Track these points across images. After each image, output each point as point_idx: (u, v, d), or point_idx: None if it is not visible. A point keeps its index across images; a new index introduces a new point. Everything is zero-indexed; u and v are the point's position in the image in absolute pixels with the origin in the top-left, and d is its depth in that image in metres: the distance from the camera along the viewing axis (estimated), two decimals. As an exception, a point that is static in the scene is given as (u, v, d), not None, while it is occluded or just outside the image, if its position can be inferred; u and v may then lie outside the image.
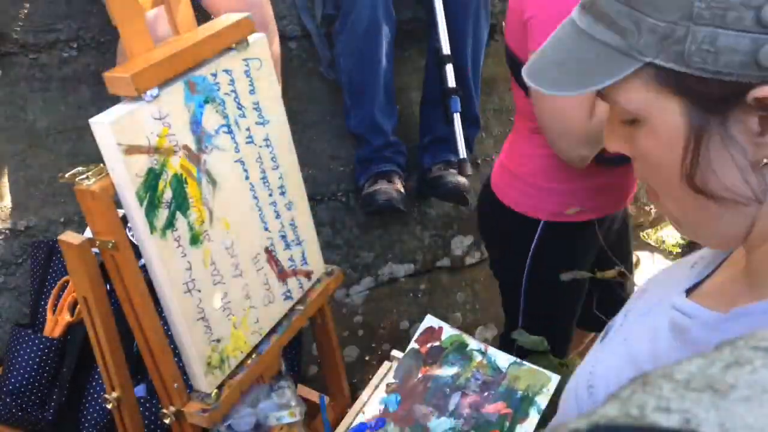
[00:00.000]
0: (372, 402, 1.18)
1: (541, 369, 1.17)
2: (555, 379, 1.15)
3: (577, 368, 0.78)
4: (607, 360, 0.72)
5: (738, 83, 0.50)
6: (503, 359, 1.20)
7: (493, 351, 1.21)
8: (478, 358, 1.20)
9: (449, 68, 1.89)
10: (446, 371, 1.19)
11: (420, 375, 1.19)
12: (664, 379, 0.27)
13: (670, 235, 3.93)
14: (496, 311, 2.33)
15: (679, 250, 3.40)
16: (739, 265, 0.64)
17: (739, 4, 0.48)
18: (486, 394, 1.15)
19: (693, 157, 0.54)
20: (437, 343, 1.23)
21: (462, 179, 1.95)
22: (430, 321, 1.28)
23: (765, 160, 0.52)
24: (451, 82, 1.88)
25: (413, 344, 1.24)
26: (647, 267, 2.63)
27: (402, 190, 1.95)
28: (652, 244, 2.92)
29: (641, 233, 2.86)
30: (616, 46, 0.54)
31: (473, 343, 1.23)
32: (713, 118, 0.52)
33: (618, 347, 0.71)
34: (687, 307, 0.63)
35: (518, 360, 1.19)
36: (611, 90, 0.56)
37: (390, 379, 1.21)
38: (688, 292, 0.67)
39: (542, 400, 1.12)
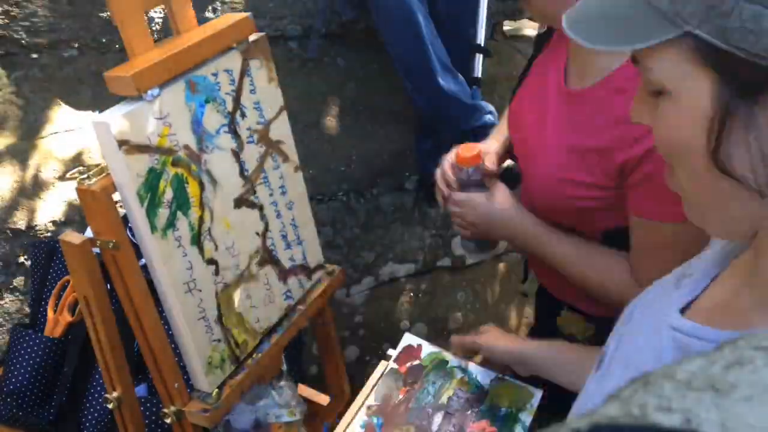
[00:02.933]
0: (354, 426, 1.13)
1: (522, 384, 1.13)
2: (538, 394, 1.11)
3: (575, 402, 0.74)
4: (610, 388, 0.68)
5: None
6: (484, 376, 1.16)
7: (473, 367, 1.17)
8: (459, 375, 1.16)
9: (479, 58, 2.04)
10: (427, 390, 1.15)
11: (400, 396, 1.16)
12: (665, 379, 0.27)
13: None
14: (497, 311, 2.33)
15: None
16: (741, 277, 0.60)
17: None
18: (469, 412, 1.11)
19: (718, 135, 0.52)
20: (417, 362, 1.19)
21: None
22: (408, 339, 1.23)
23: None
24: (477, 72, 2.01)
25: (392, 364, 1.20)
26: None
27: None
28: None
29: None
30: (660, 8, 0.52)
31: (453, 360, 1.19)
32: (742, 101, 0.50)
33: (619, 373, 0.68)
34: (687, 327, 0.60)
35: (500, 375, 1.16)
36: (646, 54, 0.54)
37: (370, 401, 1.17)
38: (683, 311, 0.64)
39: (527, 417, 1.09)
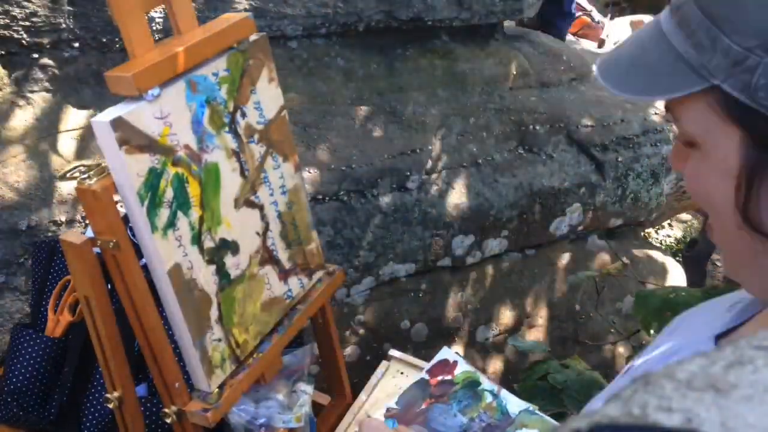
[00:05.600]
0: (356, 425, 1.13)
1: (552, 421, 1.11)
2: None
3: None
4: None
5: None
6: (514, 404, 1.14)
7: (505, 394, 1.15)
8: (489, 399, 1.14)
9: None
10: (452, 406, 1.13)
11: (423, 406, 1.15)
12: (666, 379, 0.27)
13: (670, 234, 3.93)
14: (497, 311, 2.33)
15: (680, 247, 3.40)
16: None
17: None
18: None
19: (746, 192, 0.51)
20: (449, 377, 1.18)
21: None
22: (446, 353, 1.22)
23: None
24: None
25: (424, 374, 1.18)
26: (648, 266, 2.63)
27: None
28: (653, 243, 2.92)
29: (642, 233, 2.86)
30: (688, 60, 0.52)
31: (486, 383, 1.17)
32: None
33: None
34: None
35: (531, 408, 1.13)
36: (676, 104, 0.54)
37: (392, 403, 1.16)
38: (719, 337, 0.62)
39: None
